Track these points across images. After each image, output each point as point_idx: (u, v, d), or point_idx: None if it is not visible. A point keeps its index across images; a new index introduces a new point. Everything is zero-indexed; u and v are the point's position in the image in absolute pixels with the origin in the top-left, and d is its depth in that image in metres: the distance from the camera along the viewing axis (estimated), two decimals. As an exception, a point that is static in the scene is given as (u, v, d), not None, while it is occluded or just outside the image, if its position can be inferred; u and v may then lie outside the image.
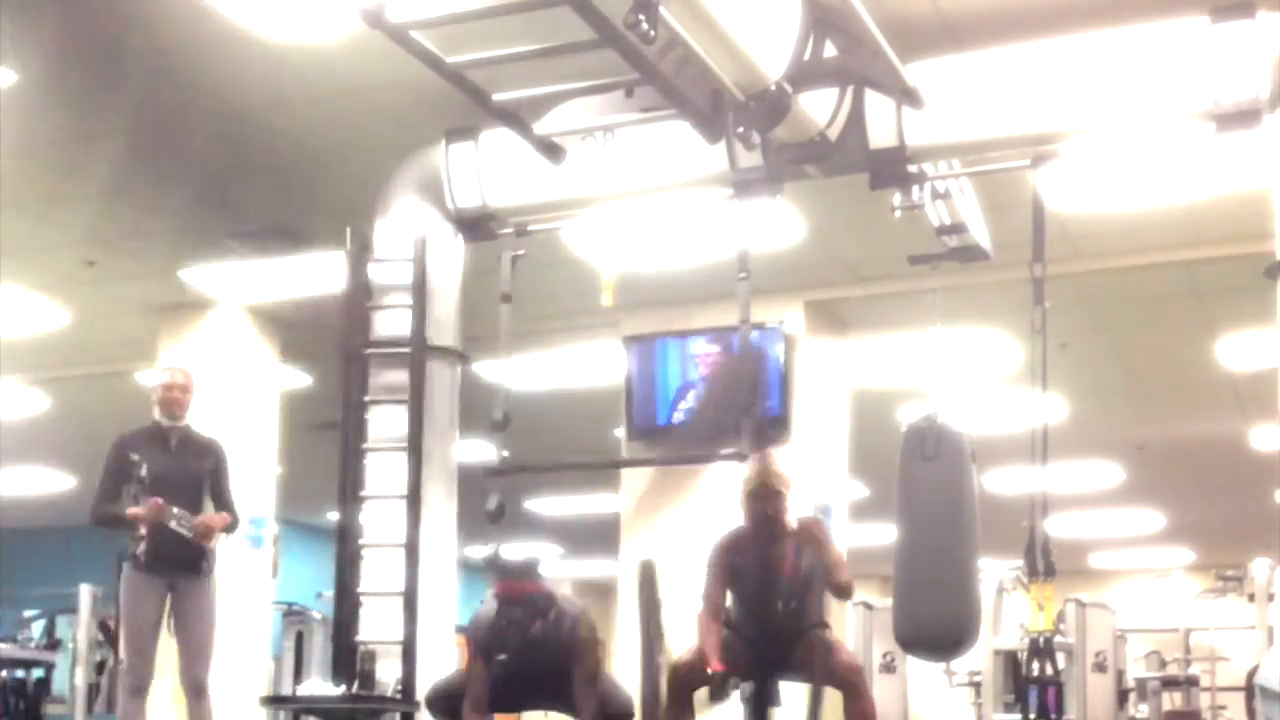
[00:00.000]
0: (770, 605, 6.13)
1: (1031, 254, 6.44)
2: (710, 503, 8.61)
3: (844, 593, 6.27)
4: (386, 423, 7.02)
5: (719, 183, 6.37)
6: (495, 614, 6.34)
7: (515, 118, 5.31)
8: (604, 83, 5.17)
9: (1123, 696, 10.79)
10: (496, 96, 5.12)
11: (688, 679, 6.11)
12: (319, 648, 12.04)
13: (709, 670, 5.97)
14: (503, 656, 6.41)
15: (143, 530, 6.59)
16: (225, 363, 9.71)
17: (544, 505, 15.23)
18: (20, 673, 12.42)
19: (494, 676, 6.42)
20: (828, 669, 6.18)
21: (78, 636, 12.03)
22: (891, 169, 6.12)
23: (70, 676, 12.04)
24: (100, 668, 12.06)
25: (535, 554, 6.48)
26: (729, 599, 6.30)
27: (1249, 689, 8.29)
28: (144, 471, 6.67)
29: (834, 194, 7.26)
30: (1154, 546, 17.58)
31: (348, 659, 6.85)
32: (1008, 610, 10.33)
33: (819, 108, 5.69)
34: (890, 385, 10.42)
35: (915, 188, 6.31)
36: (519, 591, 6.28)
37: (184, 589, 6.71)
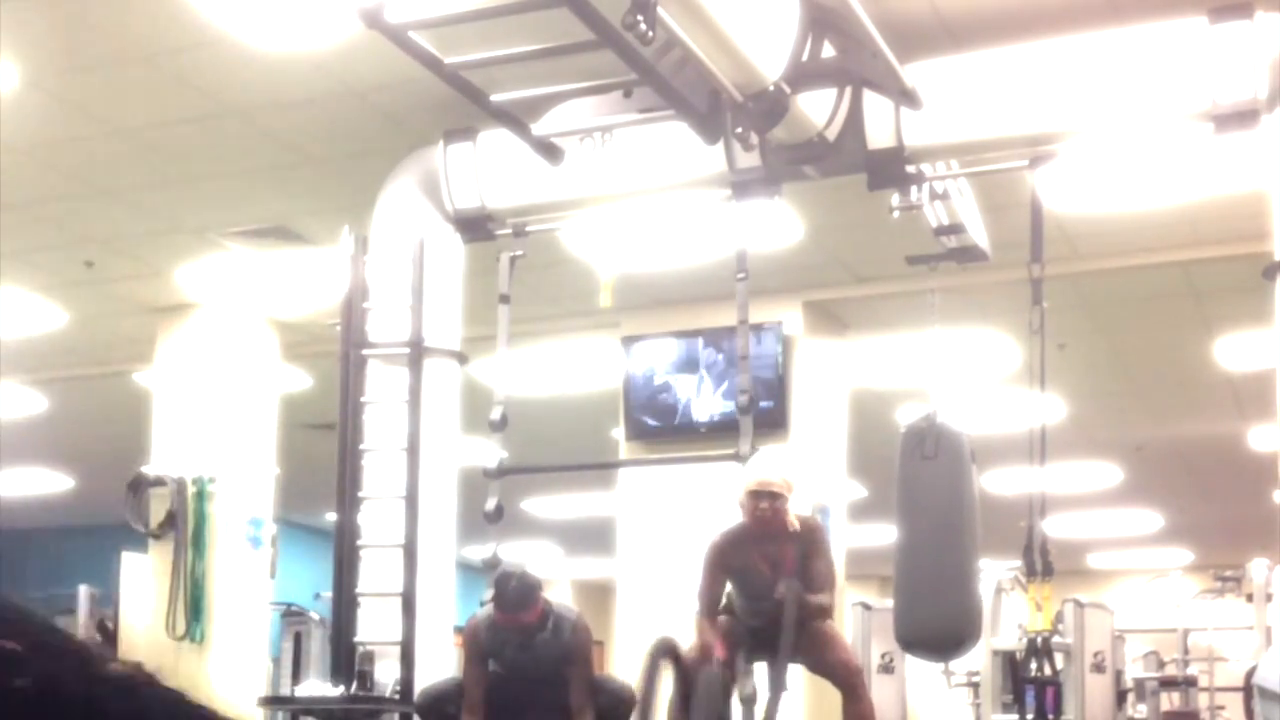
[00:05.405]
0: (769, 602, 6.12)
1: (1030, 254, 6.45)
2: (709, 503, 8.60)
3: (818, 613, 6.13)
4: (386, 423, 7.02)
5: (717, 183, 6.37)
6: (493, 618, 6.34)
7: (513, 118, 5.31)
8: (602, 83, 5.18)
9: (1121, 697, 10.78)
10: (495, 97, 5.12)
11: (693, 676, 6.11)
12: (317, 648, 12.02)
13: (715, 658, 5.96)
14: (499, 660, 6.42)
15: None
16: (225, 363, 9.71)
17: (542, 506, 15.23)
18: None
19: (490, 680, 6.42)
20: (825, 662, 6.18)
21: (76, 637, 12.01)
22: (890, 169, 6.12)
23: (69, 677, 12.01)
24: (99, 668, 12.04)
25: (535, 574, 6.42)
26: (732, 590, 6.31)
27: (1247, 689, 8.27)
28: None
29: (832, 194, 7.26)
30: (1152, 547, 17.57)
31: (346, 660, 6.85)
32: (1006, 610, 10.32)
33: (817, 108, 5.69)
34: (889, 385, 10.42)
35: (914, 188, 6.31)
36: (517, 623, 6.26)
37: None
